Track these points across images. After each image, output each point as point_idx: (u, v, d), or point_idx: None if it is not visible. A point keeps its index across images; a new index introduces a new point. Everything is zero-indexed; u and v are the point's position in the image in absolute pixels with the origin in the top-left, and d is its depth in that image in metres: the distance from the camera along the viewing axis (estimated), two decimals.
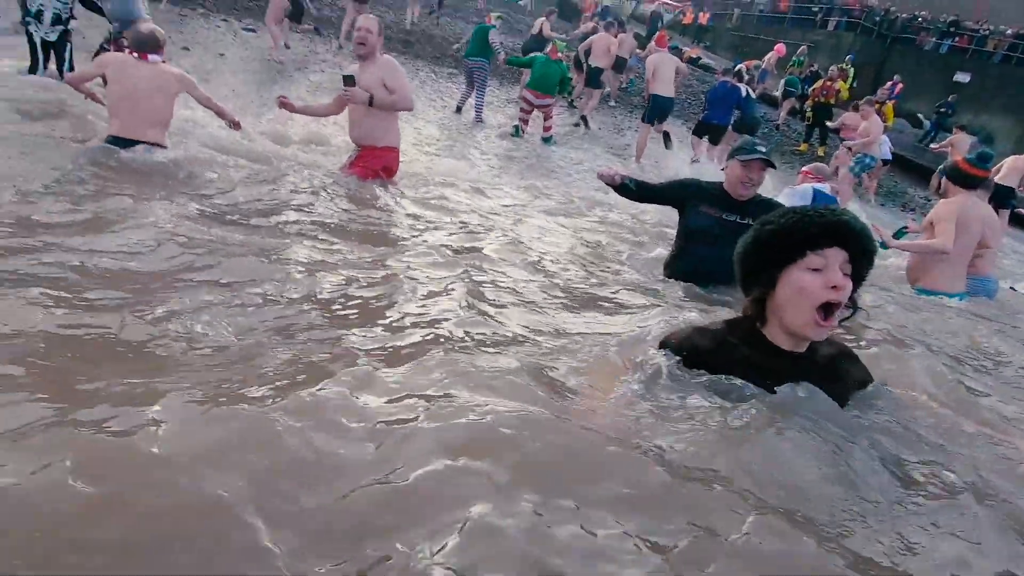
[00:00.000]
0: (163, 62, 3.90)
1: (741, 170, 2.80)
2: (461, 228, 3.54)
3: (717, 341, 1.42)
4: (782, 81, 13.86)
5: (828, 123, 10.95)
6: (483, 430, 1.02)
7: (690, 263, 2.95)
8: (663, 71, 8.55)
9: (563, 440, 1.09)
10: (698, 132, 9.01)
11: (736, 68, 9.99)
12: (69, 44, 5.41)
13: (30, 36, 5.32)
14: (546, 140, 8.72)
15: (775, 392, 1.31)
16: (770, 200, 3.07)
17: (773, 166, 2.86)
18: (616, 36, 10.03)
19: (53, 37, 5.31)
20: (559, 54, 8.56)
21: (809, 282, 1.28)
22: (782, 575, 0.76)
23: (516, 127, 8.69)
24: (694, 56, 17.02)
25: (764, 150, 2.83)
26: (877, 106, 9.40)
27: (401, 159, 4.43)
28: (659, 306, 2.40)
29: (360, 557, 0.74)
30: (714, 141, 8.77)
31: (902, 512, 1.02)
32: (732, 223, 2.83)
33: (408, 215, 3.71)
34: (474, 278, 2.35)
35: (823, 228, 1.29)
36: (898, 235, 3.98)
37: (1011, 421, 1.70)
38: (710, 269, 2.79)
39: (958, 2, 20.73)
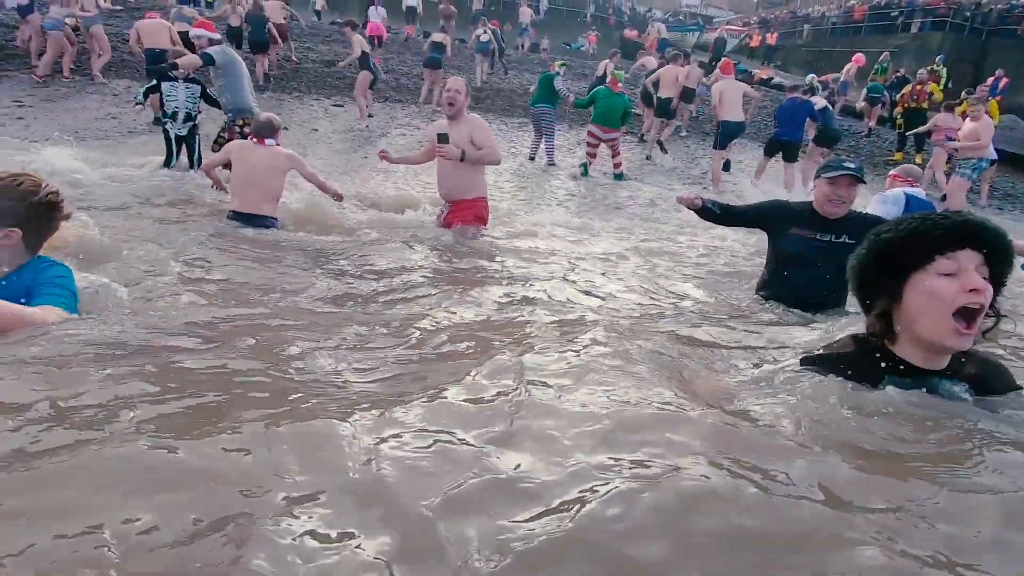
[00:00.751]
0: (277, 145, 4.40)
1: (828, 188, 2.70)
2: (555, 269, 3.57)
3: (842, 360, 1.32)
4: (864, 89, 13.21)
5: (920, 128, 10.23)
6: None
7: (785, 288, 2.83)
8: (729, 97, 8.49)
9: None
10: (769, 151, 8.79)
11: (807, 82, 9.70)
12: (197, 136, 6.23)
13: (166, 133, 6.21)
14: (618, 176, 8.78)
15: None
16: (866, 215, 2.93)
17: (862, 181, 2.71)
18: (682, 66, 10.08)
19: (184, 132, 6.16)
20: (619, 84, 8.64)
21: (943, 287, 1.18)
22: None
23: (584, 165, 8.82)
24: (765, 77, 16.67)
25: (852, 166, 2.70)
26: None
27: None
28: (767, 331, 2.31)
29: None
30: (788, 159, 8.52)
31: None
32: (826, 243, 2.71)
33: (507, 261, 3.75)
34: (585, 314, 2.40)
35: (950, 230, 1.19)
36: None
37: None
38: (806, 293, 2.69)
39: None
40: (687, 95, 10.57)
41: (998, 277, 1.21)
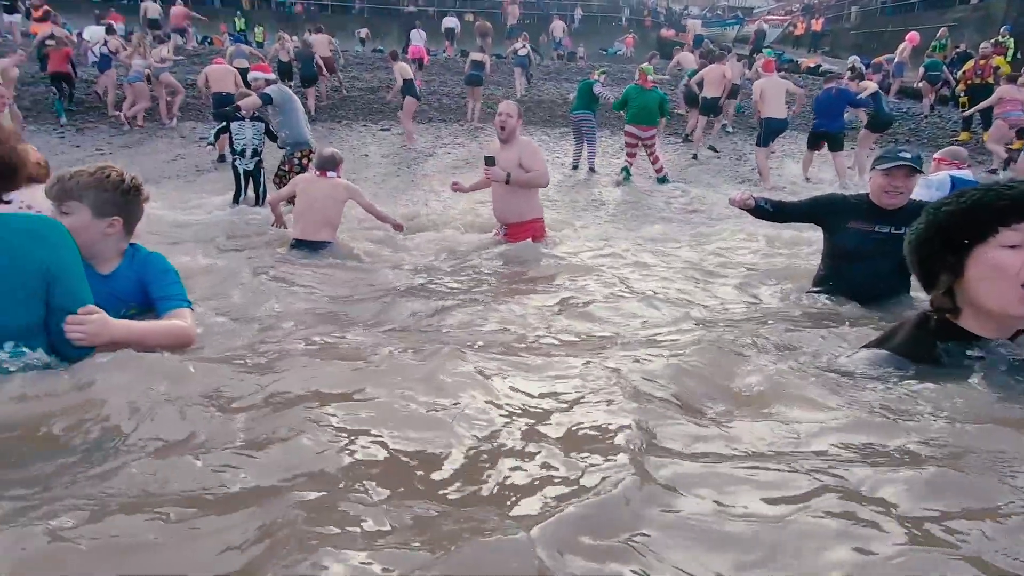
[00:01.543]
0: (338, 177, 4.65)
1: (884, 179, 2.62)
2: (610, 278, 3.56)
3: (912, 338, 1.32)
4: (921, 67, 12.57)
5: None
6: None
7: (843, 283, 2.75)
8: (771, 94, 8.34)
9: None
10: (811, 144, 8.60)
11: (850, 64, 9.41)
12: (262, 171, 6.63)
13: (235, 169, 6.64)
14: (661, 180, 8.64)
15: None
16: (924, 204, 2.84)
17: (920, 171, 2.62)
18: (724, 64, 9.93)
19: (251, 167, 6.57)
20: (649, 78, 8.47)
21: (1009, 260, 1.16)
22: None
23: (625, 169, 8.68)
24: (812, 65, 16.14)
25: (908, 156, 2.61)
26: None
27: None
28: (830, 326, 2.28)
29: None
30: (833, 149, 8.31)
31: None
32: (885, 236, 2.62)
33: (562, 274, 3.71)
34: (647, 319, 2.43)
35: (1014, 200, 1.17)
36: None
37: None
38: (865, 287, 2.62)
39: None
40: (732, 91, 10.41)
41: None
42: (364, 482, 0.95)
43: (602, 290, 3.09)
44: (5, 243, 1.31)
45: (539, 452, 1.08)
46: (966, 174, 3.45)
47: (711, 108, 9.75)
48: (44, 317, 1.37)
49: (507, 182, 4.20)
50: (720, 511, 0.88)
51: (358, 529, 0.82)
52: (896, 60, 13.71)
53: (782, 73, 11.19)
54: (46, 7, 13.19)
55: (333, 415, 1.17)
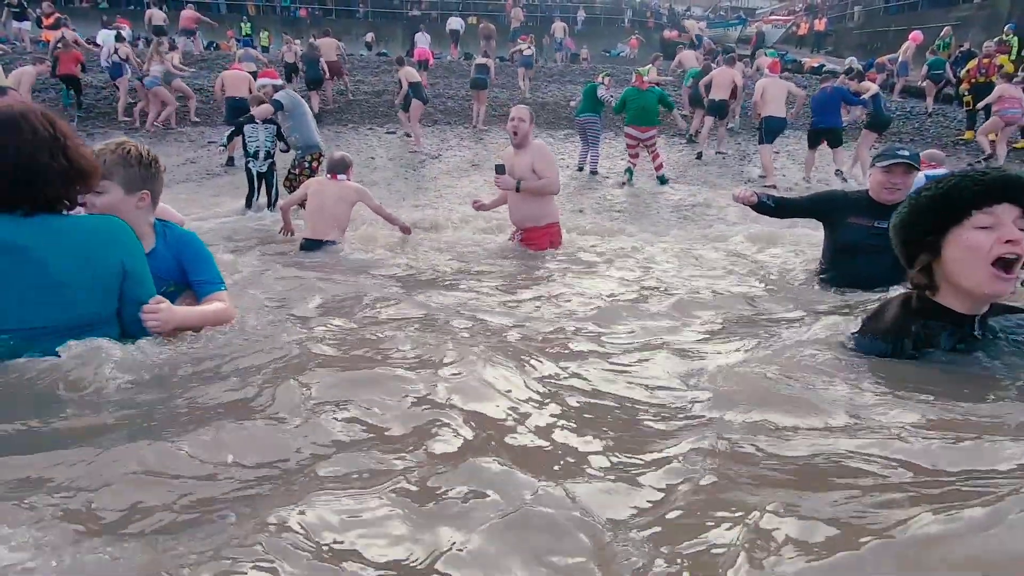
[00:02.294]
0: (348, 179, 4.73)
1: (884, 176, 2.72)
2: (627, 277, 3.60)
3: (893, 318, 1.41)
4: (924, 65, 12.61)
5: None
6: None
7: (844, 277, 2.81)
8: (772, 93, 8.49)
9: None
10: (812, 142, 8.71)
11: (847, 64, 9.53)
12: (275, 173, 6.73)
13: (249, 172, 6.74)
14: (660, 180, 8.74)
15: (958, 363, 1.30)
16: None
17: (917, 168, 2.71)
18: (733, 67, 10.02)
19: (264, 169, 6.68)
20: (645, 79, 8.60)
21: (980, 240, 1.25)
22: None
23: (628, 171, 8.80)
24: (816, 65, 16.14)
25: (906, 153, 2.72)
26: None
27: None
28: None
29: None
30: (832, 145, 8.53)
31: None
32: (884, 230, 2.68)
33: (571, 275, 3.72)
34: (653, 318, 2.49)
35: (987, 185, 1.26)
36: None
37: None
38: (865, 281, 2.67)
39: None
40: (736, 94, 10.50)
41: None
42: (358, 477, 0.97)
43: (611, 290, 3.16)
44: (83, 245, 1.44)
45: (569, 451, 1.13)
46: (941, 172, 3.62)
47: (718, 110, 9.78)
48: (117, 308, 1.51)
49: (517, 190, 4.20)
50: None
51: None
52: (900, 59, 13.73)
53: (785, 75, 11.25)
54: (57, 14, 13.35)
55: (332, 410, 1.21)
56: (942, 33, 13.83)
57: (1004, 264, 1.24)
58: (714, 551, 0.77)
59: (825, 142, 8.51)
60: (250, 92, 9.00)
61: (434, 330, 2.08)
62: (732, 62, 10.11)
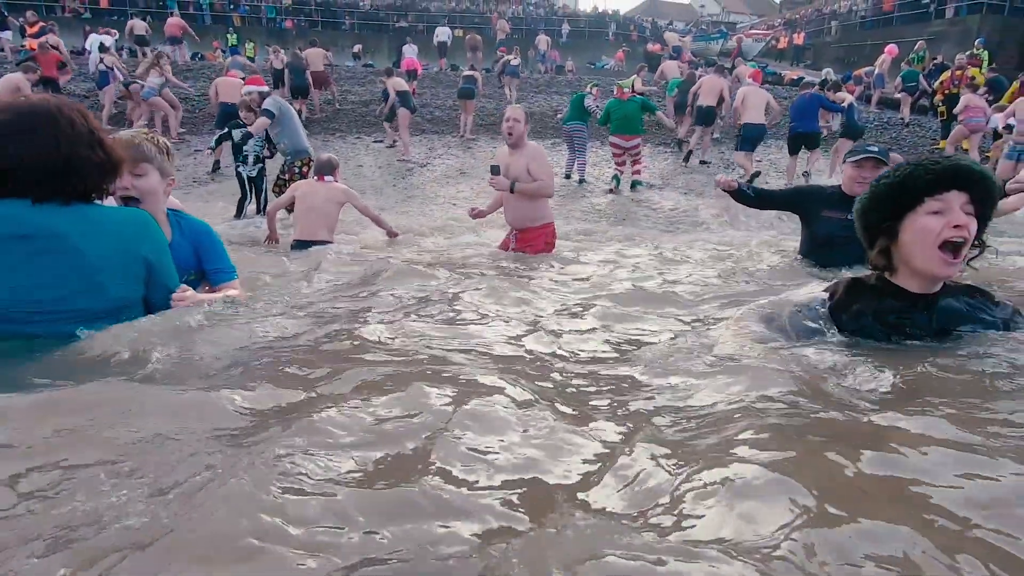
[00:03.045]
0: (335, 181, 4.75)
1: (855, 170, 2.91)
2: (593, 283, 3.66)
3: (850, 291, 1.51)
4: (899, 78, 13.02)
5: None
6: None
7: (821, 268, 2.97)
8: (752, 101, 8.79)
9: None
10: (792, 148, 9.02)
11: (823, 76, 9.86)
12: (265, 178, 6.72)
13: (239, 176, 6.73)
14: (633, 183, 8.92)
15: (912, 340, 1.42)
16: None
17: (886, 163, 2.84)
18: (722, 77, 10.27)
19: (255, 173, 6.68)
20: (626, 91, 8.81)
21: (931, 224, 1.35)
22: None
23: (615, 177, 9.00)
24: (795, 77, 16.52)
25: (875, 149, 2.92)
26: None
27: None
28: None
29: None
30: (810, 147, 9.03)
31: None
32: None
33: (560, 279, 3.79)
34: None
35: (938, 174, 1.35)
36: None
37: None
38: (841, 270, 2.79)
39: None
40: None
41: (983, 214, 1.38)
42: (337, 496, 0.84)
43: (600, 294, 3.20)
44: (114, 234, 1.50)
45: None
46: None
47: (706, 117, 9.96)
48: (143, 294, 1.59)
49: (512, 191, 4.21)
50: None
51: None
52: (876, 72, 14.13)
53: (766, 86, 11.54)
54: (41, 23, 13.25)
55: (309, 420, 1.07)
56: (916, 47, 14.29)
57: (952, 247, 1.34)
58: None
59: (804, 147, 8.89)
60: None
61: (413, 335, 2.04)
62: (721, 71, 10.37)
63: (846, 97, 9.37)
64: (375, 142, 11.26)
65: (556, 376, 1.48)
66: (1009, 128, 8.20)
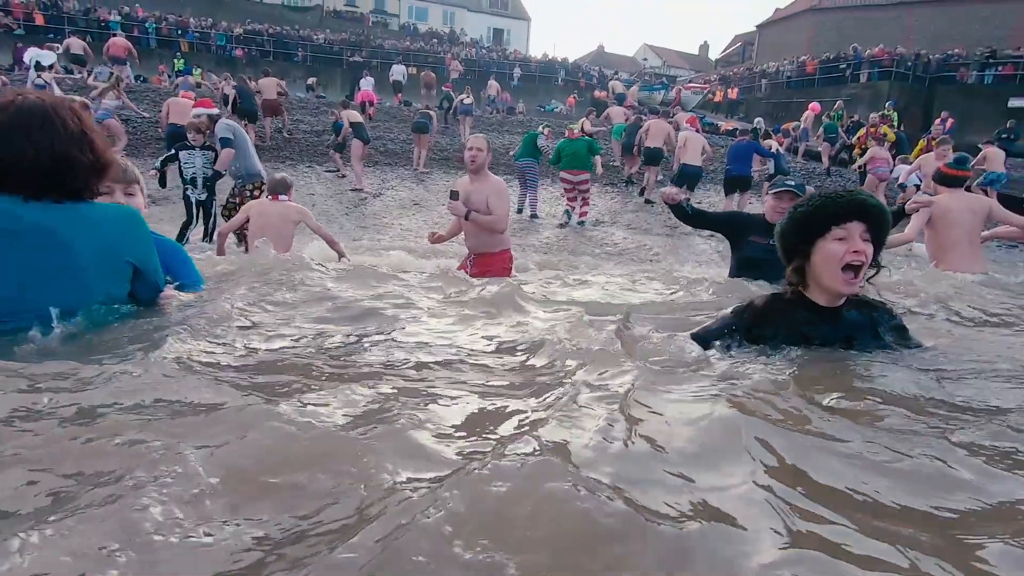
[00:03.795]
0: (289, 200, 4.72)
1: (774, 201, 3.34)
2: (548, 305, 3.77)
3: (769, 304, 1.74)
4: (820, 129, 14.29)
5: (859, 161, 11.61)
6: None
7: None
8: (692, 145, 9.69)
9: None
10: (728, 188, 9.87)
11: (755, 125, 10.78)
12: (214, 201, 6.53)
13: (187, 199, 6.47)
14: (580, 223, 9.38)
15: (820, 347, 1.66)
16: None
17: (801, 195, 3.17)
18: (667, 121, 10.98)
19: (204, 197, 6.46)
20: (575, 131, 9.49)
21: (835, 249, 1.59)
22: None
23: (567, 211, 9.41)
24: (731, 128, 17.74)
25: (792, 183, 3.33)
26: (933, 143, 9.51)
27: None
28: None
29: None
30: (743, 189, 9.82)
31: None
32: None
33: (510, 307, 3.80)
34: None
35: (843, 206, 1.60)
36: None
37: None
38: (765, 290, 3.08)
39: (990, 34, 20.86)
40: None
41: (878, 240, 1.63)
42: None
43: (548, 317, 3.30)
44: (105, 232, 1.52)
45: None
46: None
47: (654, 157, 10.49)
48: (129, 291, 1.62)
49: (466, 218, 4.28)
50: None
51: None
52: (801, 127, 15.42)
53: (704, 133, 12.41)
54: None
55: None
56: (836, 106, 15.72)
57: (853, 268, 1.58)
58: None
59: (738, 189, 9.66)
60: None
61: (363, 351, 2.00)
62: (666, 116, 11.16)
63: (773, 144, 10.40)
64: (327, 172, 11.20)
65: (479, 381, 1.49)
66: (916, 187, 9.03)
